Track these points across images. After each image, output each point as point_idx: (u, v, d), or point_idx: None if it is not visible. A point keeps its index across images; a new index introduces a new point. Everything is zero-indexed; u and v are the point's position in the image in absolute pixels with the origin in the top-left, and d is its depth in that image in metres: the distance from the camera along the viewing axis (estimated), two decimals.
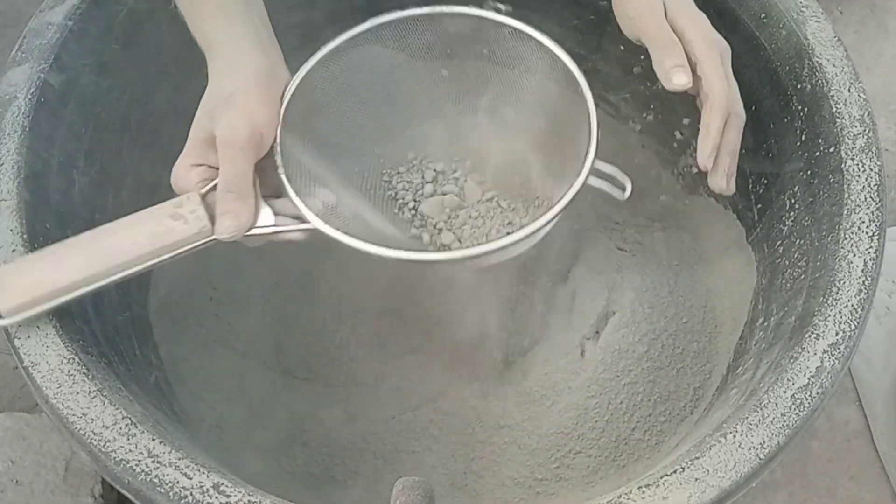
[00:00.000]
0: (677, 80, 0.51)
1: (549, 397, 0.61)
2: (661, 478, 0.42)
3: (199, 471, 0.42)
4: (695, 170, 0.73)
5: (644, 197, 0.75)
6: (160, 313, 0.66)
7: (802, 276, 0.53)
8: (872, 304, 0.48)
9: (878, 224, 0.50)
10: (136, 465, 0.42)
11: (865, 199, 0.51)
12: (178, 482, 0.42)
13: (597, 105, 0.79)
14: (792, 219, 0.57)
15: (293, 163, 0.50)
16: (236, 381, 0.65)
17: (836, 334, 0.47)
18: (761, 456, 0.43)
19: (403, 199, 0.59)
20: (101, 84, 0.59)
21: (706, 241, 0.69)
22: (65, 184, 0.55)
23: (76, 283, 0.45)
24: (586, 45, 0.74)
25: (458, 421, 0.62)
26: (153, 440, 0.43)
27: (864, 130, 0.53)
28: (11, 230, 0.49)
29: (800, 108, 0.57)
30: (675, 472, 0.42)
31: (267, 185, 0.48)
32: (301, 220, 0.48)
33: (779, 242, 0.59)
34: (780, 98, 0.59)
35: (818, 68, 0.56)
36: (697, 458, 0.43)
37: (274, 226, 0.48)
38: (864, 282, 0.48)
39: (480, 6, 0.55)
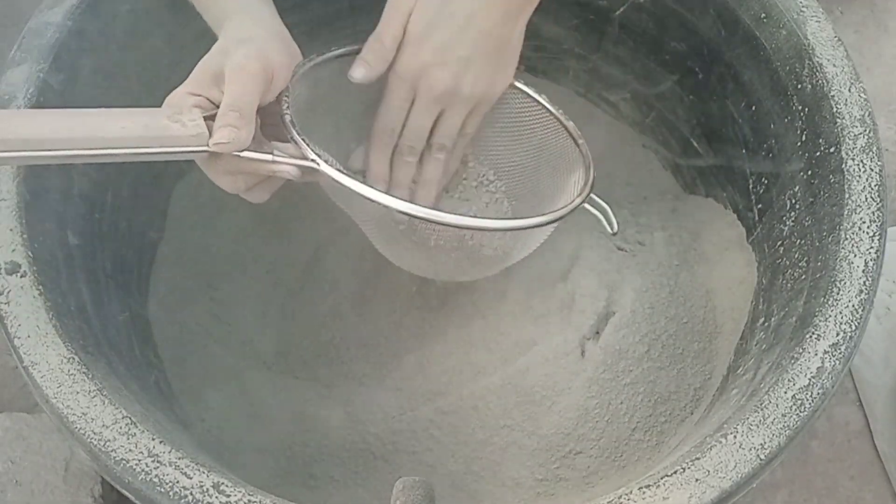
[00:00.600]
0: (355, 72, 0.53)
1: (549, 397, 0.61)
2: (662, 478, 0.42)
3: (199, 470, 0.42)
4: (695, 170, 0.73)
5: (644, 197, 0.75)
6: (160, 313, 0.66)
7: (803, 277, 0.53)
8: (873, 304, 0.48)
9: (878, 224, 0.50)
10: (137, 464, 0.42)
11: (866, 199, 0.51)
12: (178, 482, 0.42)
13: (596, 105, 0.80)
14: (792, 219, 0.57)
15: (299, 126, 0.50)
16: (236, 381, 0.65)
17: (837, 335, 0.47)
18: (762, 456, 0.43)
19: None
20: (101, 84, 0.59)
21: (706, 241, 0.69)
22: (65, 184, 0.55)
23: (46, 141, 0.41)
24: (586, 45, 0.74)
25: (458, 421, 0.62)
26: (153, 440, 0.43)
27: (865, 130, 0.53)
28: (11, 230, 0.49)
29: (800, 108, 0.57)
30: (675, 472, 0.42)
31: (267, 132, 0.48)
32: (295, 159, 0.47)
33: (779, 243, 0.59)
34: (780, 98, 0.59)
35: (818, 68, 0.56)
36: (698, 458, 0.43)
37: (272, 156, 0.46)
38: (864, 282, 0.48)
39: None
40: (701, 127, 0.70)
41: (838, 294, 0.48)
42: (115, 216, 0.61)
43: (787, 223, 0.58)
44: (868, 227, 0.50)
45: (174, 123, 0.43)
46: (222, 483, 0.42)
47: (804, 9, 0.58)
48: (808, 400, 0.45)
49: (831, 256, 0.50)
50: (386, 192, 0.47)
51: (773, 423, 0.44)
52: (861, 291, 0.48)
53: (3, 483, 0.60)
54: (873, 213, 0.50)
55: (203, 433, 0.62)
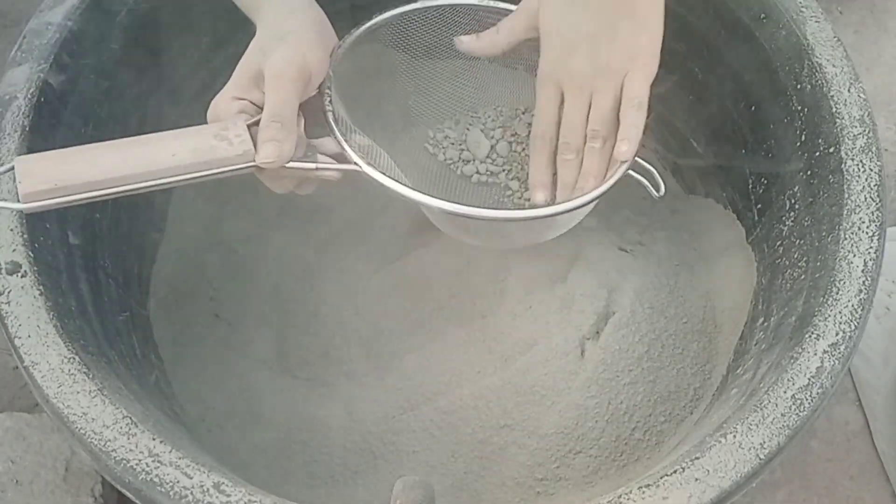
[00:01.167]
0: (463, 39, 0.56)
1: (549, 397, 0.61)
2: (662, 478, 0.42)
3: (199, 470, 0.42)
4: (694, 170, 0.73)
5: (644, 197, 0.75)
6: (160, 313, 0.66)
7: (802, 277, 0.53)
8: (872, 304, 0.48)
9: (878, 224, 0.50)
10: (137, 464, 0.42)
11: (865, 199, 0.51)
12: (178, 481, 0.42)
13: None
14: (792, 219, 0.57)
15: (337, 113, 0.51)
16: (236, 381, 0.65)
17: (837, 334, 0.47)
18: (761, 456, 0.43)
19: (447, 155, 0.61)
20: (101, 84, 0.59)
21: (706, 241, 0.69)
22: None
23: (105, 181, 0.42)
24: None
25: (458, 421, 0.62)
26: (153, 439, 0.43)
27: (864, 130, 0.53)
28: (11, 230, 0.49)
29: (800, 108, 0.57)
30: (675, 472, 0.42)
31: (308, 127, 0.49)
32: (340, 161, 0.49)
33: (779, 243, 0.59)
34: (780, 98, 0.59)
35: (818, 68, 0.56)
36: (697, 458, 0.43)
37: (314, 163, 0.48)
38: (864, 282, 0.48)
39: None
40: (701, 127, 0.70)
41: (838, 294, 0.48)
42: (115, 216, 0.61)
43: (787, 223, 0.58)
44: (867, 227, 0.50)
45: (221, 143, 0.45)
46: (222, 483, 0.42)
47: (804, 9, 0.58)
48: (807, 399, 0.45)
49: (831, 256, 0.50)
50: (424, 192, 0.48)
51: (772, 422, 0.44)
52: (860, 291, 0.48)
53: (3, 483, 0.60)
54: (872, 213, 0.50)
55: (203, 433, 0.62)
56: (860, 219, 0.50)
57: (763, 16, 0.59)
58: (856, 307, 0.47)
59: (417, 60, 0.60)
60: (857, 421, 0.76)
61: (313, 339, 0.67)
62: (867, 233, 0.50)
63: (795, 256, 0.55)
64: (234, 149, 0.45)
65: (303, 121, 0.48)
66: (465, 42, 0.56)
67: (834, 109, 0.54)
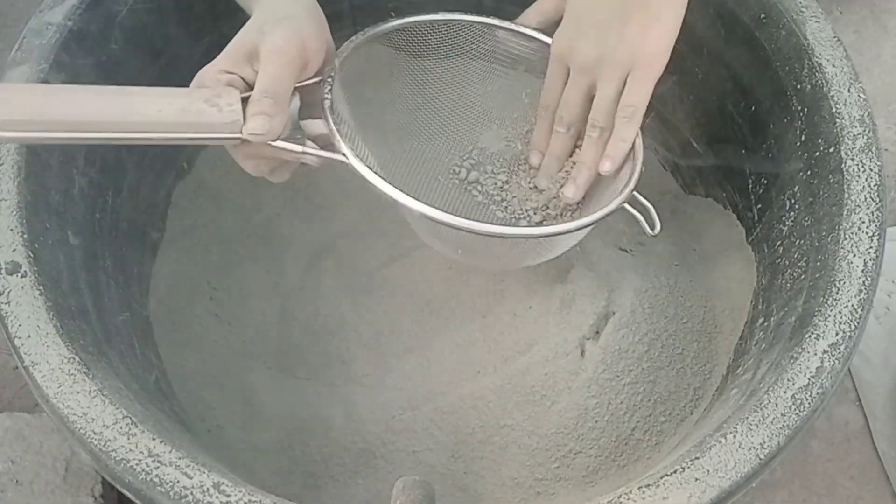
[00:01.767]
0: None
1: (549, 397, 0.61)
2: (662, 478, 0.42)
3: (199, 470, 0.42)
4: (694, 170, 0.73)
5: (644, 197, 0.75)
6: (160, 313, 0.66)
7: (802, 277, 0.53)
8: (872, 304, 0.48)
9: (878, 224, 0.50)
10: (137, 464, 0.42)
11: (865, 199, 0.51)
12: (178, 481, 0.42)
13: None
14: (792, 219, 0.57)
15: (335, 105, 0.50)
16: (236, 381, 0.65)
17: (836, 334, 0.47)
18: (761, 456, 0.43)
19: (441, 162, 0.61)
20: (101, 84, 0.59)
21: (706, 241, 0.69)
22: (65, 184, 0.55)
23: (85, 124, 0.41)
24: None
25: (458, 421, 0.62)
26: (153, 440, 0.43)
27: (864, 130, 0.53)
28: (11, 230, 0.49)
29: (800, 108, 0.57)
30: (675, 472, 0.42)
31: (301, 114, 0.48)
32: (327, 149, 0.48)
33: (779, 243, 0.59)
34: (780, 98, 0.59)
35: (818, 68, 0.56)
36: (697, 458, 0.43)
37: (302, 147, 0.46)
38: (864, 282, 0.48)
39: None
40: (701, 127, 0.70)
41: (837, 294, 0.48)
42: (115, 216, 0.61)
43: (787, 223, 0.58)
44: (867, 227, 0.50)
45: (211, 108, 0.43)
46: (222, 483, 0.42)
47: (804, 9, 0.58)
48: (807, 399, 0.45)
49: (830, 256, 0.50)
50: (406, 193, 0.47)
51: (772, 422, 0.44)
52: (860, 291, 0.48)
53: (3, 483, 0.60)
54: (872, 212, 0.50)
55: (203, 433, 0.62)
56: (860, 219, 0.50)
57: (763, 16, 0.59)
58: (856, 307, 0.47)
59: (426, 70, 0.60)
60: (857, 421, 0.76)
61: (313, 339, 0.67)
62: (867, 233, 0.50)
63: (795, 256, 0.55)
64: (223, 116, 0.43)
65: (297, 104, 0.47)
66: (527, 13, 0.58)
67: (834, 109, 0.54)
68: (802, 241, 0.55)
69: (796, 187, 0.57)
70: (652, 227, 0.53)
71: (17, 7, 0.94)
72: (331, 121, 0.48)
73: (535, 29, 0.58)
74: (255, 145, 0.45)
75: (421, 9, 0.58)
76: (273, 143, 0.45)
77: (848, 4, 1.01)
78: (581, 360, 0.62)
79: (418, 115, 0.61)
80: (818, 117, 0.55)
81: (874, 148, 0.53)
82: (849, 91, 0.54)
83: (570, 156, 0.59)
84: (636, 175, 0.54)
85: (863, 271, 0.48)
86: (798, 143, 0.57)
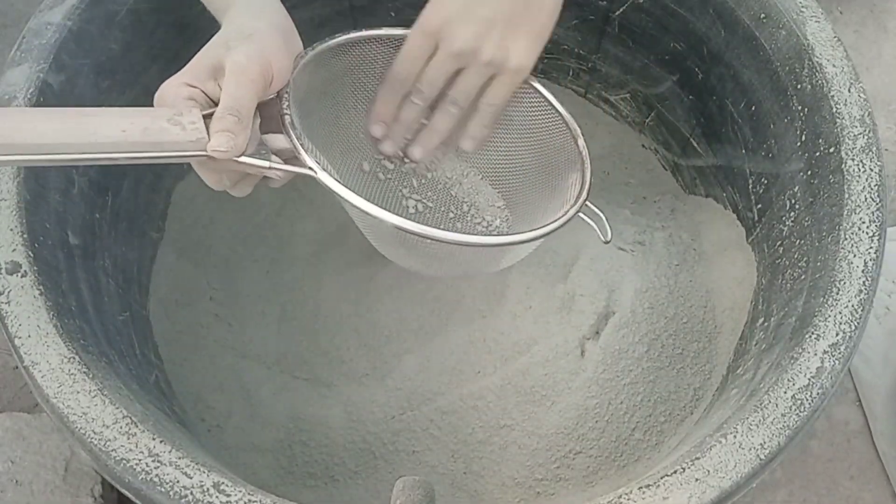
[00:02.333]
0: None
1: (549, 397, 0.61)
2: (662, 478, 0.42)
3: (199, 470, 0.42)
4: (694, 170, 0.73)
5: (644, 197, 0.75)
6: (160, 313, 0.66)
7: (803, 277, 0.53)
8: (872, 304, 0.48)
9: (878, 224, 0.50)
10: (137, 464, 0.42)
11: (866, 199, 0.51)
12: (178, 481, 0.42)
13: (596, 105, 0.80)
14: (792, 219, 0.57)
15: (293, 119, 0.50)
16: (236, 381, 0.65)
17: (837, 335, 0.47)
18: (761, 456, 0.43)
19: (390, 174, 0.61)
20: (101, 84, 0.59)
21: (706, 241, 0.69)
22: (65, 184, 0.55)
23: (45, 146, 0.40)
24: (586, 45, 0.74)
25: (458, 421, 0.62)
26: (153, 439, 0.43)
27: (865, 130, 0.53)
28: (11, 230, 0.49)
29: (800, 108, 0.57)
30: (675, 472, 0.42)
31: (263, 125, 0.48)
32: (291, 162, 0.47)
33: (779, 243, 0.59)
34: (780, 98, 0.59)
35: (818, 68, 0.56)
36: (698, 458, 0.43)
37: (268, 162, 0.46)
38: (864, 282, 0.48)
39: None
40: (701, 127, 0.70)
41: (838, 294, 0.48)
42: (115, 216, 0.61)
43: (787, 223, 0.58)
44: (867, 228, 0.50)
45: (174, 126, 0.43)
46: (222, 483, 0.42)
47: (804, 9, 0.58)
48: (807, 400, 0.45)
49: (831, 256, 0.50)
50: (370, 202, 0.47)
51: (772, 422, 0.44)
52: (860, 291, 0.48)
53: (3, 483, 0.60)
54: (873, 213, 0.50)
55: (203, 433, 0.62)
56: (860, 219, 0.50)
57: (763, 16, 0.59)
58: (856, 307, 0.47)
59: (373, 85, 0.59)
60: (857, 421, 0.76)
61: (313, 339, 0.67)
62: (867, 233, 0.50)
63: (795, 256, 0.55)
64: (188, 134, 0.43)
65: (258, 121, 0.47)
66: None
67: (834, 109, 0.54)
68: (803, 242, 0.55)
69: (796, 187, 0.57)
70: (605, 234, 0.55)
71: (16, 7, 0.94)
72: (293, 136, 0.48)
73: None
74: (221, 161, 0.45)
75: (419, 10, 0.58)
76: (239, 160, 0.45)
77: (848, 4, 1.01)
78: (581, 360, 0.62)
79: (361, 130, 0.60)
80: (818, 117, 0.55)
81: (874, 148, 0.53)
82: (849, 91, 0.54)
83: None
84: (587, 183, 0.54)
85: (863, 271, 0.48)
86: (798, 144, 0.57)
